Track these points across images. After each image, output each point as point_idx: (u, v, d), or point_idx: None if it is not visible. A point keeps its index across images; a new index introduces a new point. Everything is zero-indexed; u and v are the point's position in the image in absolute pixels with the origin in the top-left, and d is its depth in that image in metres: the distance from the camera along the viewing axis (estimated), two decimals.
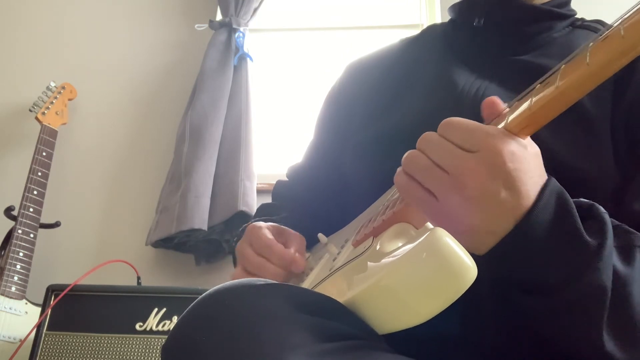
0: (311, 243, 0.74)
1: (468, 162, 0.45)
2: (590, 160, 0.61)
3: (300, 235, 0.70)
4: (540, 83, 0.45)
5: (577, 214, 0.47)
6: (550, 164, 0.60)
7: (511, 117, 0.46)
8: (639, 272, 0.48)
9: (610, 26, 0.39)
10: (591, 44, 0.40)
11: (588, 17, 0.77)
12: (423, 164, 0.48)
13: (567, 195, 0.48)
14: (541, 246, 0.46)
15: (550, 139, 0.61)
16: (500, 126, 0.47)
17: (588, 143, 0.62)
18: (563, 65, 0.42)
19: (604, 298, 0.45)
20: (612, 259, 0.46)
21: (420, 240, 0.42)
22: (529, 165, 0.46)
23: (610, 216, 0.50)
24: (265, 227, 0.68)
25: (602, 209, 0.49)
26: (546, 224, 0.46)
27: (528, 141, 0.48)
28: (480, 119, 0.51)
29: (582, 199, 0.51)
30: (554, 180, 0.48)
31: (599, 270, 0.45)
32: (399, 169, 0.51)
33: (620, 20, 0.38)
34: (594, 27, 0.74)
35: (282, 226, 0.71)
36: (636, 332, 0.46)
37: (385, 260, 0.46)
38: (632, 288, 0.46)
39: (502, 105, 0.49)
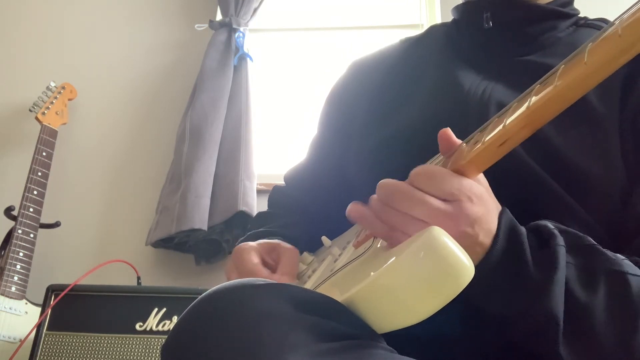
0: (313, 246, 0.74)
1: (447, 213, 0.48)
2: (598, 160, 0.61)
3: (292, 250, 0.68)
4: (539, 83, 0.45)
5: (527, 249, 0.50)
6: (556, 163, 0.60)
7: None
8: (603, 299, 0.49)
9: (609, 25, 0.39)
10: (590, 43, 0.40)
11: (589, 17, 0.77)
12: (399, 218, 0.49)
13: (519, 229, 0.51)
14: (493, 285, 0.50)
15: (556, 137, 0.61)
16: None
17: (595, 142, 0.62)
18: (562, 65, 0.42)
19: (556, 326, 0.48)
20: (563, 289, 0.48)
21: (417, 239, 0.43)
22: (489, 203, 0.50)
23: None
24: (252, 250, 0.66)
25: (561, 239, 0.51)
26: (497, 263, 0.49)
27: (479, 177, 0.51)
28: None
29: (548, 224, 0.52)
30: (506, 213, 0.51)
31: (545, 303, 0.48)
32: (371, 214, 0.52)
33: (618, 20, 0.38)
34: (598, 25, 0.74)
35: (273, 242, 0.69)
36: (602, 354, 0.48)
37: (383, 259, 0.46)
38: (593, 317, 0.48)
39: (455, 140, 0.52)
